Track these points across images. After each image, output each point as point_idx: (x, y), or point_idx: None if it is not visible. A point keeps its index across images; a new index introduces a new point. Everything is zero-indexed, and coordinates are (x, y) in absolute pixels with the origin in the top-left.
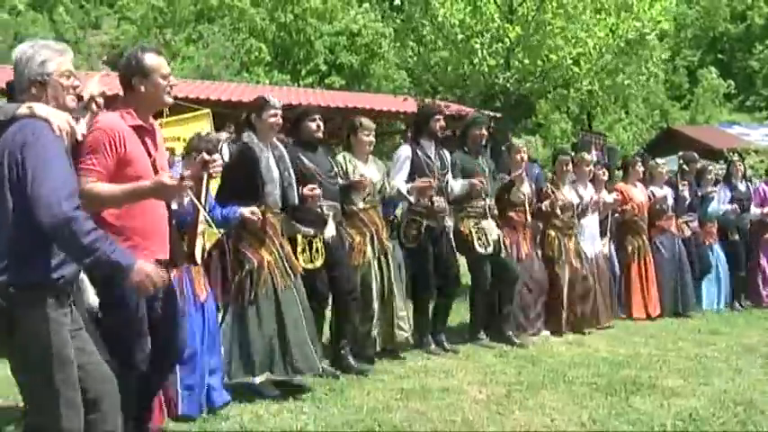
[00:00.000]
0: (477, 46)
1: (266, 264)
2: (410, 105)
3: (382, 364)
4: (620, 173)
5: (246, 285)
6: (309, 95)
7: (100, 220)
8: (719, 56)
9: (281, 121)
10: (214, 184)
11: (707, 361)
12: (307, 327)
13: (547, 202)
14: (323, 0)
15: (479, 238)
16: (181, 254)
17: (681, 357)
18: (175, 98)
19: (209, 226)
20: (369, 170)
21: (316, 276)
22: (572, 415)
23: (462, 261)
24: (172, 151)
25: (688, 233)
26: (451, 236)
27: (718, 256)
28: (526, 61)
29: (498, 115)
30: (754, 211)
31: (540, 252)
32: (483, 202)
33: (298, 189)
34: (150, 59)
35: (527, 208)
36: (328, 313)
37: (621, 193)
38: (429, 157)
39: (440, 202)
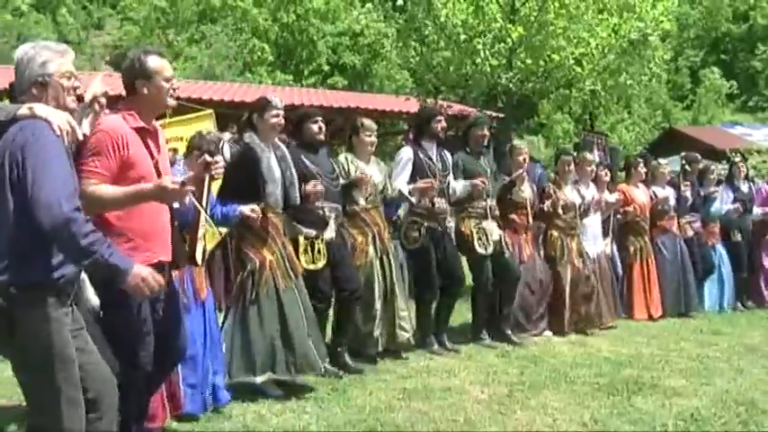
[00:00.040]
0: (480, 46)
1: (268, 264)
2: (412, 105)
3: (384, 364)
4: (623, 174)
5: (248, 285)
6: (312, 96)
7: (102, 221)
8: (722, 56)
9: (282, 121)
10: (216, 184)
11: (709, 361)
12: (309, 327)
13: (548, 202)
14: (325, 0)
15: (480, 239)
16: (182, 255)
17: (683, 357)
18: (178, 99)
19: (211, 227)
20: (371, 171)
21: (318, 276)
22: (574, 415)
23: (463, 261)
24: (175, 151)
25: (690, 233)
26: (453, 236)
27: (720, 256)
28: (528, 61)
29: (501, 115)
30: (757, 211)
31: (542, 252)
32: (484, 203)
33: (299, 189)
34: (153, 62)
35: (529, 210)
36: (330, 313)
37: (624, 194)
38: (430, 159)
39: (441, 203)
